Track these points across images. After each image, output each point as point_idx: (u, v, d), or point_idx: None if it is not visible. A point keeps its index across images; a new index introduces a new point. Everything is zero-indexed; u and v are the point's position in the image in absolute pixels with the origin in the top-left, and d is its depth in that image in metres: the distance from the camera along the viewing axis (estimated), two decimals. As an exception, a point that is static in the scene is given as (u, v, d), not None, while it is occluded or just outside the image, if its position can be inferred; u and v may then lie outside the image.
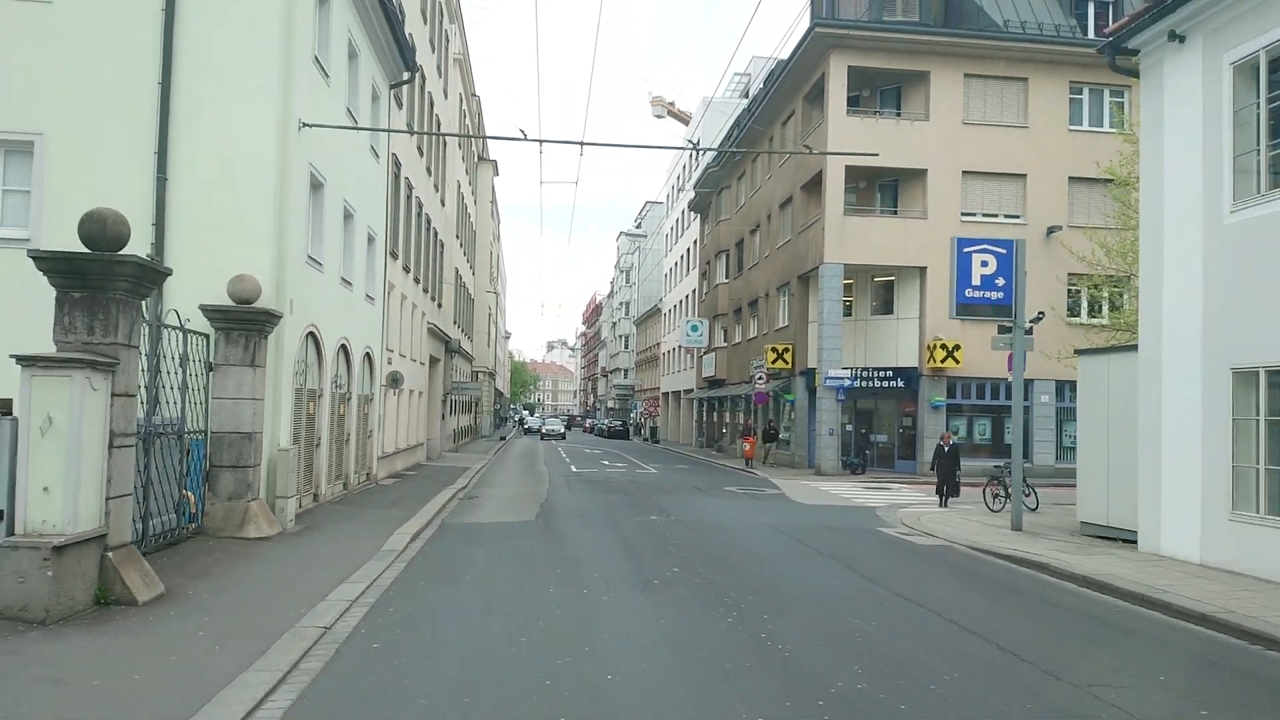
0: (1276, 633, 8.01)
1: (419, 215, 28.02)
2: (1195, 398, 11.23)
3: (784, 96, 33.67)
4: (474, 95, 50.84)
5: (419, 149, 27.83)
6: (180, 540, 10.95)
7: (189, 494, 11.35)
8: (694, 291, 55.40)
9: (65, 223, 12.19)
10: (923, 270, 28.69)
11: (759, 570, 11.14)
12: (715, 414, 47.19)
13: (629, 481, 25.42)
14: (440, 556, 11.78)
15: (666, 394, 64.70)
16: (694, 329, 46.94)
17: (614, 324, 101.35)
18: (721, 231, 45.35)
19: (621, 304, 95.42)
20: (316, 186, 15.19)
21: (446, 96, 35.68)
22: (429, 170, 30.22)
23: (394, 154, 22.68)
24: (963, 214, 28.81)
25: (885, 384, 29.25)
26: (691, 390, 53.63)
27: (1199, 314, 11.25)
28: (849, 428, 30.30)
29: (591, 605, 8.91)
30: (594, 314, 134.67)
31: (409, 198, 25.82)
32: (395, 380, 22.61)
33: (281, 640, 7.17)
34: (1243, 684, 6.92)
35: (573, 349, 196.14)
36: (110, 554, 8.05)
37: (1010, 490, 16.57)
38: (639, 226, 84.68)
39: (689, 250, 59.04)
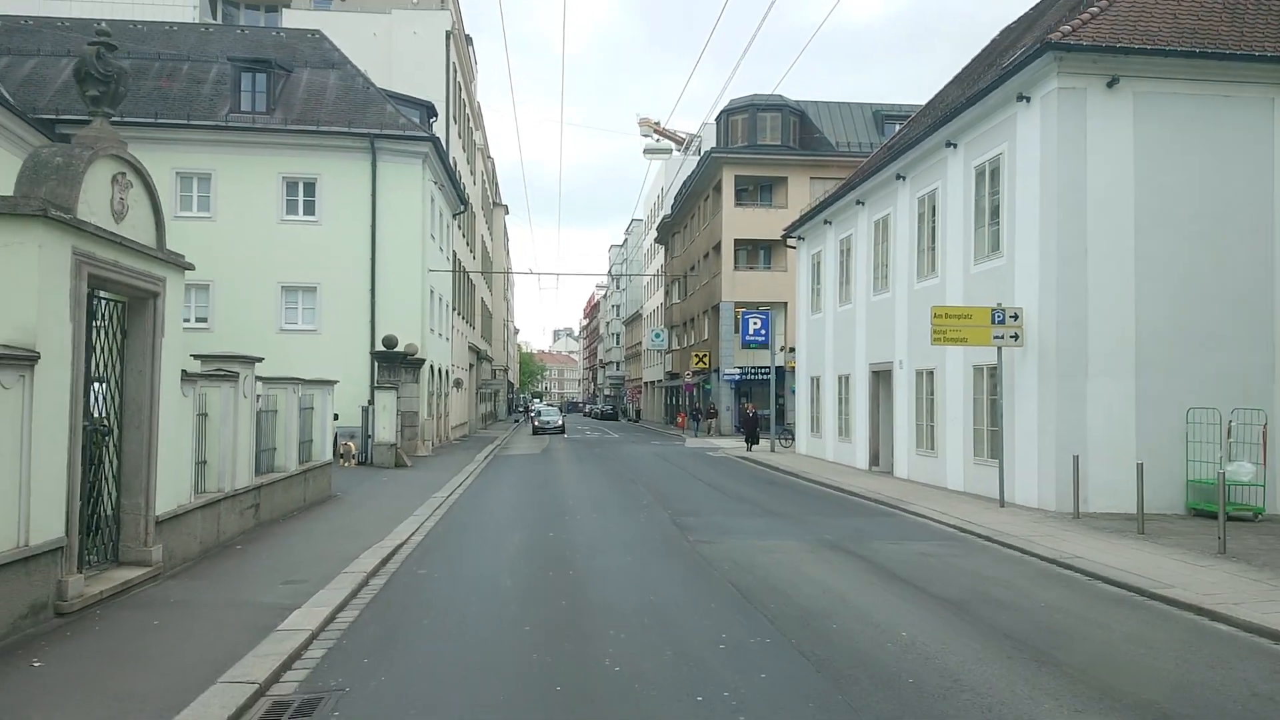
0: (781, 466, 24.25)
1: (463, 275, 44.28)
2: (807, 387, 27.66)
3: (703, 184, 49.86)
4: (489, 159, 67.11)
5: (463, 235, 44.07)
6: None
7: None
8: (661, 304, 71.63)
9: (331, 324, 28.67)
10: (785, 305, 44.89)
11: (629, 463, 27.51)
12: (673, 398, 63.58)
13: (597, 441, 41.93)
14: (499, 463, 28.19)
15: (646, 383, 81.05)
16: (657, 336, 63.29)
17: (608, 323, 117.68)
18: (675, 264, 61.63)
19: (613, 306, 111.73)
20: (431, 292, 31.54)
21: (475, 182, 51.91)
22: (467, 242, 46.48)
23: (454, 250, 38.94)
24: (810, 268, 44.93)
25: (764, 377, 45.44)
26: (660, 380, 69.94)
27: (805, 354, 27.69)
28: (751, 405, 46.55)
29: (558, 469, 25.30)
30: (593, 310, 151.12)
31: (458, 269, 42.05)
32: (459, 383, 39.05)
33: (457, 473, 23.45)
34: (774, 482, 23.23)
35: (576, 337, 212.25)
36: (398, 449, 24.45)
37: (780, 436, 32.93)
38: (625, 243, 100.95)
39: (659, 270, 75.22)
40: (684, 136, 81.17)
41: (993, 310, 15.02)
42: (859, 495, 17.52)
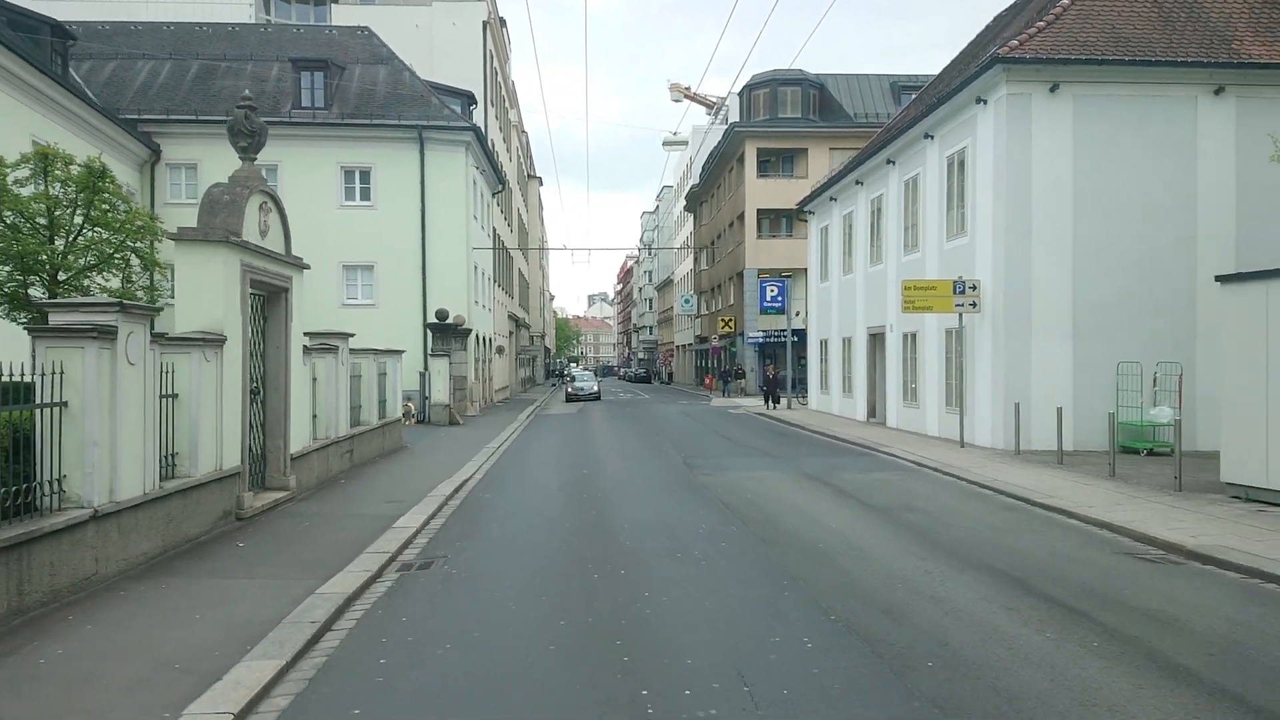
0: (791, 420, 27.17)
1: (502, 248, 47.35)
2: (816, 348, 30.42)
3: (729, 152, 52.30)
4: (523, 133, 69.85)
5: (501, 211, 47.07)
6: (449, 414, 30.71)
7: (447, 398, 31.06)
8: (691, 270, 74.25)
9: (387, 298, 31.96)
10: (805, 270, 47.36)
11: (656, 420, 30.56)
12: (702, 361, 66.48)
13: (628, 401, 45.06)
14: (539, 421, 31.38)
15: (678, 346, 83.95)
16: (686, 301, 66.04)
17: (641, 288, 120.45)
18: (702, 231, 64.17)
19: (646, 272, 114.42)
20: (475, 268, 34.66)
21: (510, 159, 54.78)
22: (505, 217, 49.50)
23: (494, 227, 41.98)
24: (829, 235, 47.33)
25: (785, 340, 48.19)
26: (691, 344, 72.81)
27: (815, 319, 30.39)
28: (772, 367, 49.36)
29: (591, 425, 28.44)
30: (626, 275, 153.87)
31: (498, 245, 45.11)
32: (500, 350, 42.27)
33: (504, 430, 26.68)
34: (781, 433, 26.18)
35: (610, 302, 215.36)
36: (451, 409, 27.72)
37: (799, 395, 35.74)
38: (656, 210, 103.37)
39: (688, 237, 77.77)
40: (714, 100, 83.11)
41: (955, 282, 17.73)
42: (848, 441, 20.42)
